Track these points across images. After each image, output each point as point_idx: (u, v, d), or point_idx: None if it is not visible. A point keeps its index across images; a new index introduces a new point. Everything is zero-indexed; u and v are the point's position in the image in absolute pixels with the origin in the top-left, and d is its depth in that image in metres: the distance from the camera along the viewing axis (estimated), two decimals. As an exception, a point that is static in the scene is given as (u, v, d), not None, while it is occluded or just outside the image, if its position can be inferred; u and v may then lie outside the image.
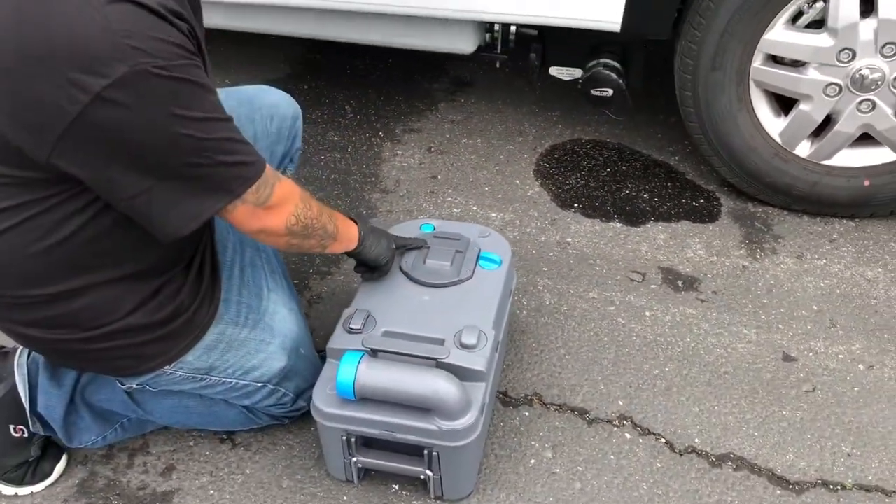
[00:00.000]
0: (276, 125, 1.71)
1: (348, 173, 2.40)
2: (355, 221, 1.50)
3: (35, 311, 1.28)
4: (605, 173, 2.38)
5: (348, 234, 1.46)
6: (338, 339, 1.47)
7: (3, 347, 1.56)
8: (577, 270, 2.04)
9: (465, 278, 1.59)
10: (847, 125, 2.00)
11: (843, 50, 1.89)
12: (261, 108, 1.68)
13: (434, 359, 1.41)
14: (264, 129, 1.68)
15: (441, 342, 1.45)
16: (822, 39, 1.90)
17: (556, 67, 2.28)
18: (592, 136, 2.54)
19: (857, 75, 1.91)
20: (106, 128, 1.05)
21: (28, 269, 1.23)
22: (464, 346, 1.44)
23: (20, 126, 1.08)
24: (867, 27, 1.86)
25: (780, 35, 1.93)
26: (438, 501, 1.53)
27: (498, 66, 2.47)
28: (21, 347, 1.51)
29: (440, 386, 1.37)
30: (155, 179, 1.12)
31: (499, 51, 2.31)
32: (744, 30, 1.92)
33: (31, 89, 1.04)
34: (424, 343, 1.45)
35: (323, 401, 1.42)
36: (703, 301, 1.95)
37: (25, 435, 1.51)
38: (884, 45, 1.87)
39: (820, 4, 1.88)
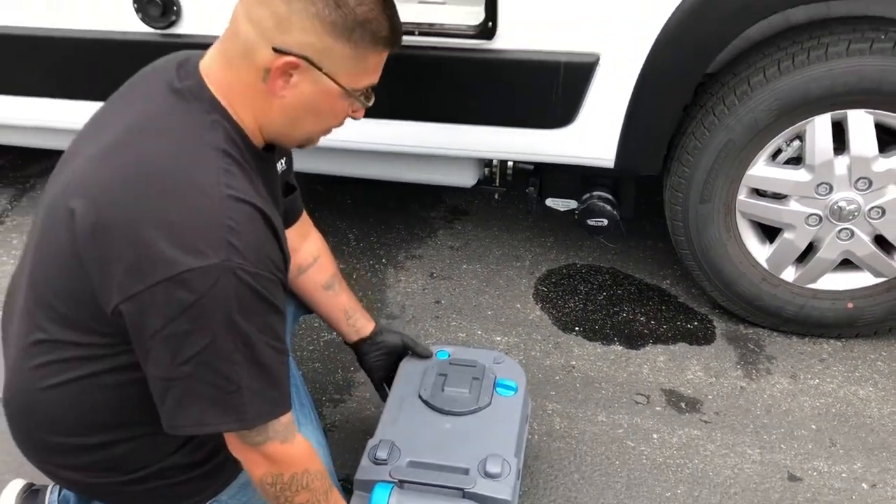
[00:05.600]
0: None
1: (355, 300, 2.47)
2: None
3: (76, 457, 1.31)
4: (601, 297, 2.49)
5: None
6: (365, 471, 1.51)
7: (34, 485, 1.57)
8: (584, 394, 2.11)
9: (483, 406, 1.65)
10: (828, 252, 2.14)
11: (821, 184, 2.05)
12: None
13: (461, 489, 1.45)
14: None
15: (466, 471, 1.50)
16: (800, 175, 2.06)
17: (552, 199, 2.42)
18: (586, 260, 2.67)
19: (835, 207, 2.06)
20: (170, 305, 1.08)
21: (79, 421, 1.27)
22: (488, 475, 1.49)
23: (105, 271, 1.12)
24: (841, 163, 2.03)
25: (762, 171, 2.09)
26: None
27: (496, 196, 2.62)
28: (53, 484, 1.52)
29: (470, 517, 1.41)
30: (181, 373, 1.12)
31: (497, 184, 2.46)
32: (729, 166, 2.08)
33: (124, 246, 1.09)
34: (450, 473, 1.49)
35: (354, 533, 1.45)
36: (706, 422, 2.02)
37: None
38: (857, 180, 2.03)
39: (797, 143, 2.05)
